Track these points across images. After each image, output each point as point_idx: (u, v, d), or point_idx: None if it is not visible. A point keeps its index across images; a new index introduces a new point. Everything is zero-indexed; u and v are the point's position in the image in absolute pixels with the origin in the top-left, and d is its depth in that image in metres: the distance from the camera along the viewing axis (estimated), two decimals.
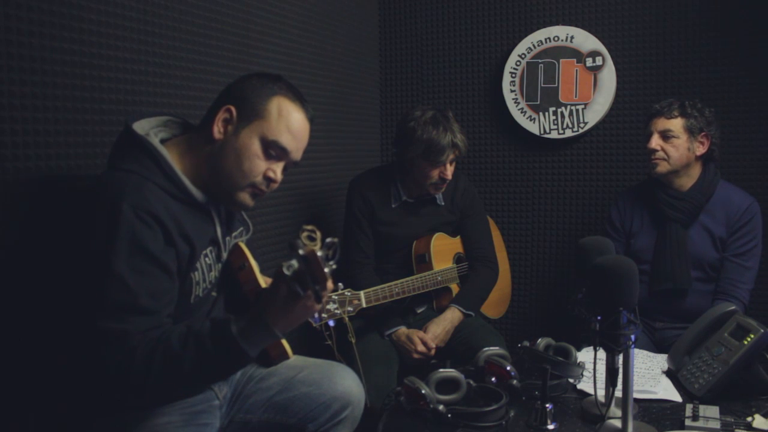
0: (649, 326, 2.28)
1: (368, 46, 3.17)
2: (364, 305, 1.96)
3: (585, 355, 1.84)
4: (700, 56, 2.75)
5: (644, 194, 2.33)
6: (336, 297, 1.87)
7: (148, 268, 1.21)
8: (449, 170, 2.25)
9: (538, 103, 2.98)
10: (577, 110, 2.92)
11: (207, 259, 1.38)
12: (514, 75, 3.01)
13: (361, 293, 1.96)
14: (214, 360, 1.21)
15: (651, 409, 1.60)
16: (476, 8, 3.09)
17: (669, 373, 1.79)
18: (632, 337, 1.36)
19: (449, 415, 1.50)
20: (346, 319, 1.90)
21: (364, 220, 2.34)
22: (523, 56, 2.99)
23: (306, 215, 2.57)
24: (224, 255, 1.46)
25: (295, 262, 1.09)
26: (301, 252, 1.07)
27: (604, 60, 2.86)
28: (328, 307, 1.85)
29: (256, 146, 1.35)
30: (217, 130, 1.35)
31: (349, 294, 1.91)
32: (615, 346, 1.36)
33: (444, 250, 2.40)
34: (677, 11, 2.78)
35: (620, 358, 1.40)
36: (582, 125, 2.92)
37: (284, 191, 2.41)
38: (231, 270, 1.48)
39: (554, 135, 2.97)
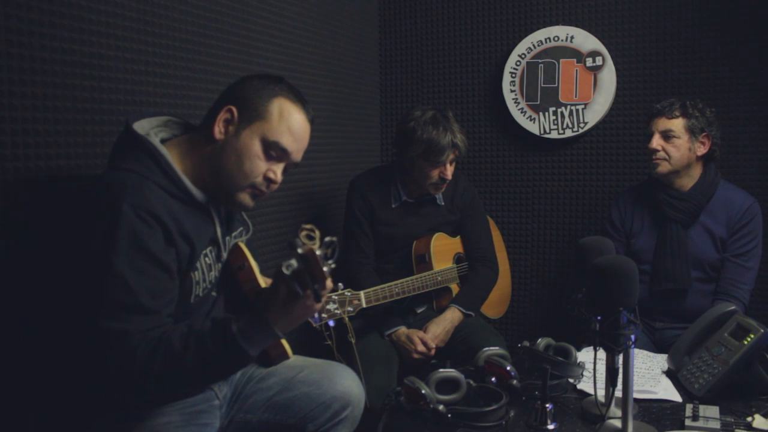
0: (649, 326, 2.28)
1: (368, 46, 3.17)
2: (364, 305, 1.96)
3: (585, 355, 1.84)
4: (700, 56, 2.75)
5: (645, 194, 2.33)
6: (336, 297, 1.87)
7: (149, 267, 1.21)
8: (449, 170, 2.25)
9: (538, 103, 2.98)
10: (577, 110, 2.92)
11: (207, 258, 1.38)
12: (514, 75, 3.01)
13: (361, 293, 1.96)
14: (215, 359, 1.21)
15: (651, 409, 1.60)
16: (476, 8, 3.09)
17: (669, 373, 1.79)
18: (632, 337, 1.35)
19: (449, 415, 1.50)
20: (346, 319, 1.90)
21: (364, 220, 2.34)
22: (523, 56, 2.99)
23: (306, 215, 2.57)
24: (224, 255, 1.46)
25: (294, 262, 1.09)
26: (299, 251, 1.07)
27: (604, 60, 2.86)
28: (328, 307, 1.85)
29: (256, 147, 1.35)
30: (218, 130, 1.35)
31: (349, 294, 1.91)
32: (615, 346, 1.36)
33: (444, 250, 2.40)
34: (677, 11, 2.78)
35: (620, 358, 1.40)
36: (582, 125, 2.92)
37: (284, 191, 2.41)
38: (231, 270, 1.48)
39: (554, 135, 2.97)
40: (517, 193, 3.12)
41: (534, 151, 3.07)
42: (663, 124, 2.18)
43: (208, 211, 1.39)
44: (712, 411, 1.53)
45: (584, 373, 1.71)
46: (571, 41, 2.91)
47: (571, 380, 1.71)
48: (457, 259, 2.44)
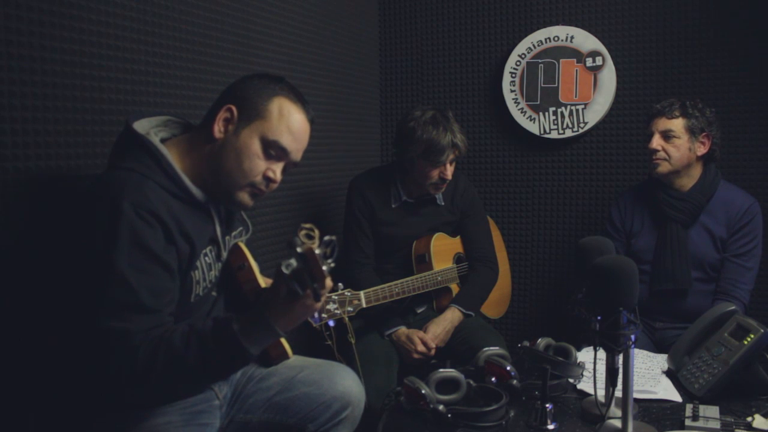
0: (649, 326, 2.28)
1: (368, 46, 3.17)
2: (364, 305, 1.96)
3: (585, 355, 1.84)
4: (700, 56, 2.75)
5: (645, 194, 2.33)
6: (336, 297, 1.87)
7: (150, 266, 1.21)
8: (449, 170, 2.25)
9: (538, 103, 2.98)
10: (577, 110, 2.92)
11: (207, 258, 1.39)
12: (514, 75, 3.01)
13: (361, 293, 1.96)
14: (216, 358, 1.21)
15: (651, 409, 1.60)
16: (476, 8, 3.09)
17: (669, 373, 1.79)
18: (632, 337, 1.35)
19: (449, 415, 1.50)
20: (346, 319, 1.90)
21: (364, 220, 2.34)
22: (523, 56, 2.99)
23: (306, 215, 2.57)
24: (224, 254, 1.46)
25: (293, 261, 1.10)
26: (299, 250, 1.07)
27: (604, 60, 2.86)
28: (328, 307, 1.85)
29: (256, 146, 1.35)
30: (218, 129, 1.35)
31: (349, 294, 1.91)
32: (615, 346, 1.36)
33: (444, 250, 2.40)
34: (677, 11, 2.77)
35: (620, 358, 1.40)
36: (582, 125, 2.92)
37: (284, 191, 2.41)
38: (230, 270, 1.48)
39: (554, 135, 2.97)
40: (517, 193, 3.12)
41: (534, 151, 3.07)
42: (663, 124, 2.18)
43: (207, 211, 1.40)
44: (712, 411, 1.53)
45: (584, 373, 1.71)
46: (571, 41, 2.91)
47: (571, 380, 1.71)
48: (457, 259, 2.44)
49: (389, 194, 2.35)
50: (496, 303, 2.66)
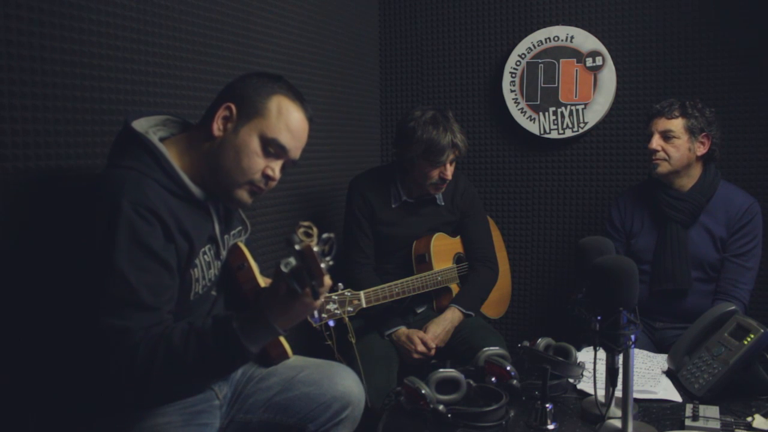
0: (649, 326, 2.28)
1: (368, 46, 3.17)
2: (364, 305, 1.96)
3: (585, 355, 1.84)
4: (700, 56, 2.75)
5: (645, 195, 2.33)
6: (336, 297, 1.87)
7: (149, 264, 1.22)
8: (449, 170, 2.25)
9: (538, 103, 2.97)
10: (577, 110, 2.92)
11: (206, 256, 1.39)
12: (514, 75, 3.01)
13: (361, 293, 1.96)
14: (216, 356, 1.21)
15: (651, 409, 1.60)
16: (476, 8, 3.09)
17: (669, 373, 1.79)
18: (632, 337, 1.35)
19: (449, 415, 1.50)
20: (346, 319, 1.90)
21: (364, 220, 2.34)
22: (523, 56, 2.99)
23: (306, 215, 2.57)
24: (223, 253, 1.46)
25: (292, 260, 1.10)
26: (297, 247, 1.08)
27: (604, 60, 2.86)
28: (327, 307, 1.84)
29: (255, 144, 1.36)
30: (217, 127, 1.36)
31: (349, 294, 1.91)
32: (615, 346, 1.36)
33: (444, 250, 2.40)
34: (677, 11, 2.77)
35: (620, 358, 1.40)
36: (582, 125, 2.92)
37: (284, 191, 2.41)
38: (230, 270, 1.48)
39: (554, 135, 2.97)
40: (517, 193, 3.12)
41: (534, 151, 3.07)
42: (662, 124, 2.18)
43: (206, 209, 1.40)
44: (712, 411, 1.53)
45: (584, 373, 1.71)
46: (571, 41, 2.91)
47: (571, 380, 1.71)
48: (457, 259, 2.44)
49: (389, 194, 2.35)
50: (496, 303, 2.66)
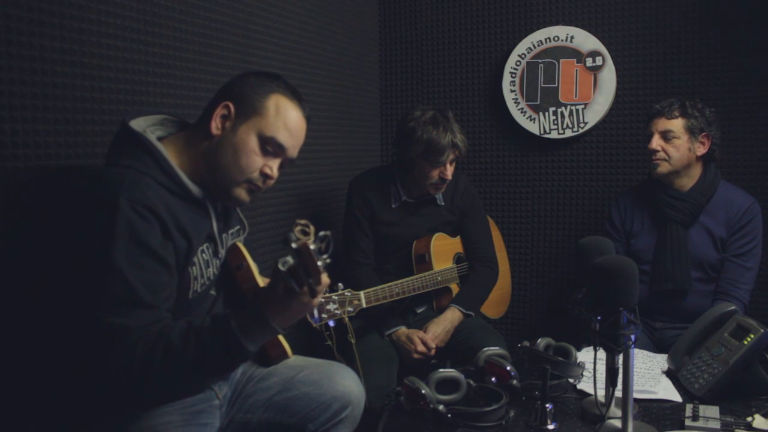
0: (649, 326, 2.28)
1: (368, 46, 3.17)
2: (364, 305, 1.96)
3: (585, 355, 1.84)
4: (700, 56, 2.75)
5: (645, 195, 2.33)
6: (336, 297, 1.87)
7: (147, 262, 1.22)
8: (449, 170, 2.25)
9: (538, 103, 2.97)
10: (577, 110, 2.92)
11: (204, 254, 1.39)
12: (514, 75, 3.01)
13: (361, 293, 1.96)
14: (214, 354, 1.21)
15: (651, 409, 1.60)
16: (476, 8, 3.09)
17: (669, 373, 1.79)
18: (632, 337, 1.35)
19: (449, 415, 1.50)
20: (346, 319, 1.90)
21: (364, 220, 2.34)
22: (523, 56, 2.99)
23: (306, 215, 2.57)
24: (221, 251, 1.46)
25: (290, 258, 1.10)
26: (293, 245, 1.08)
27: (604, 60, 2.86)
28: (327, 307, 1.84)
29: (253, 142, 1.36)
30: (215, 126, 1.36)
31: (349, 294, 1.91)
32: (615, 346, 1.36)
33: (444, 250, 2.40)
34: (677, 11, 2.78)
35: (620, 358, 1.40)
36: (582, 125, 2.92)
37: (284, 191, 2.42)
38: (229, 269, 1.48)
39: (554, 135, 2.97)
40: (517, 193, 3.12)
41: (534, 151, 3.07)
42: (662, 124, 2.18)
43: (204, 207, 1.40)
44: (712, 411, 1.53)
45: (584, 373, 1.71)
46: (571, 41, 2.91)
47: (571, 380, 1.71)
48: (457, 259, 2.44)
49: (389, 194, 2.35)
50: (496, 303, 2.66)
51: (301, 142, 1.45)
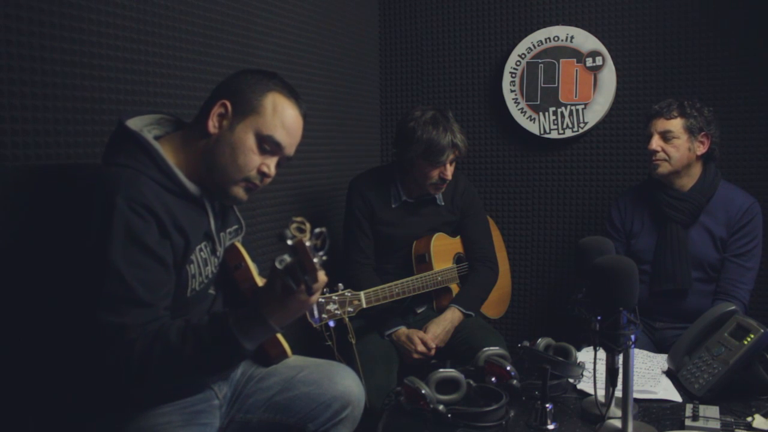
0: (649, 326, 2.28)
1: (368, 46, 3.17)
2: (364, 305, 1.95)
3: (585, 355, 1.84)
4: (700, 56, 2.75)
5: (645, 195, 2.33)
6: (336, 297, 1.87)
7: (144, 260, 1.22)
8: (449, 170, 2.25)
9: (538, 103, 2.97)
10: (577, 110, 2.92)
11: (202, 253, 1.39)
12: (514, 75, 3.01)
13: (361, 293, 1.96)
14: (212, 353, 1.21)
15: (651, 409, 1.60)
16: (476, 8, 3.09)
17: (669, 373, 1.79)
18: (632, 337, 1.35)
19: (449, 415, 1.50)
20: (346, 319, 1.90)
21: (364, 221, 2.34)
22: (523, 56, 2.99)
23: (306, 215, 2.53)
24: (219, 249, 1.46)
25: (287, 257, 1.11)
26: (289, 242, 1.08)
27: (604, 60, 2.86)
28: (328, 307, 1.84)
29: (250, 141, 1.36)
30: (212, 124, 1.36)
31: (349, 294, 1.91)
32: (615, 346, 1.36)
33: (444, 250, 2.39)
34: (677, 11, 2.78)
35: (620, 358, 1.40)
36: (582, 125, 2.92)
37: (284, 191, 2.42)
38: (227, 269, 1.48)
39: (554, 135, 2.97)
40: (517, 193, 3.12)
41: (534, 151, 3.07)
42: (661, 124, 2.18)
43: (202, 205, 1.40)
44: (712, 411, 1.52)
45: (584, 373, 1.71)
46: (571, 41, 2.91)
47: (571, 380, 1.71)
48: (457, 259, 2.44)
49: (389, 194, 2.35)
50: (496, 303, 2.66)
51: (298, 140, 1.45)
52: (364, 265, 2.34)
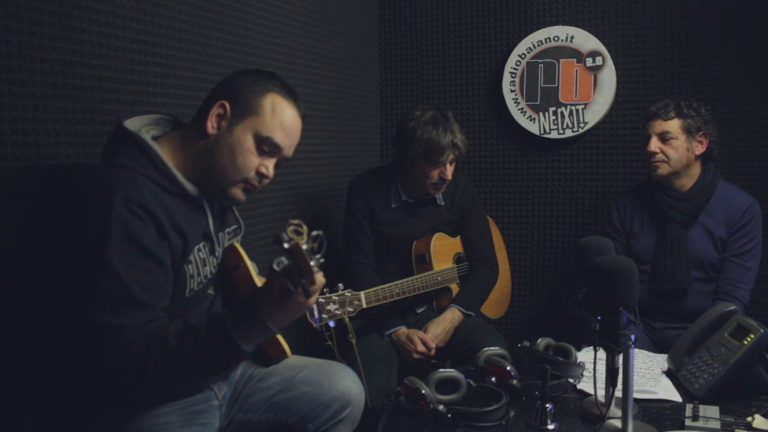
0: (649, 326, 2.28)
1: (368, 46, 3.17)
2: (364, 305, 1.96)
3: (585, 355, 1.84)
4: (699, 56, 2.75)
5: (644, 195, 2.33)
6: (336, 297, 1.87)
7: (142, 261, 1.22)
8: (449, 170, 2.25)
9: (538, 103, 2.97)
10: (577, 110, 2.92)
11: (200, 253, 1.39)
12: (514, 75, 3.01)
13: (362, 293, 1.96)
14: (210, 354, 1.21)
15: (651, 409, 1.60)
16: (476, 8, 3.09)
17: (669, 373, 1.79)
18: (632, 337, 1.35)
19: (449, 415, 1.50)
20: (347, 319, 1.90)
21: (364, 221, 2.34)
22: (523, 56, 2.99)
23: (306, 215, 2.57)
24: (218, 249, 1.46)
25: (284, 258, 1.10)
26: (285, 246, 1.08)
27: (604, 60, 2.86)
28: (328, 307, 1.84)
29: (249, 142, 1.36)
30: (211, 125, 1.36)
31: (349, 294, 1.91)
32: (615, 346, 1.36)
33: (444, 250, 2.39)
34: (677, 11, 2.78)
35: (620, 358, 1.40)
36: (582, 125, 2.92)
37: (284, 191, 2.41)
38: (226, 270, 1.48)
39: (554, 135, 2.97)
40: (517, 193, 3.12)
41: (534, 151, 3.07)
42: (659, 126, 2.18)
43: (200, 205, 1.40)
44: (712, 411, 1.52)
45: (584, 373, 1.71)
46: (571, 41, 2.91)
47: (571, 380, 1.71)
48: (457, 259, 2.44)
49: (389, 194, 2.35)
50: (496, 303, 2.66)
51: (296, 141, 1.45)
52: (364, 265, 2.34)
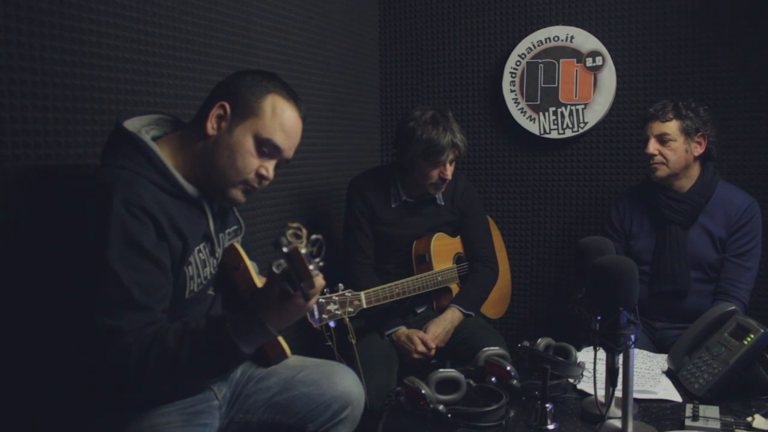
0: (649, 326, 2.28)
1: (368, 46, 3.17)
2: (364, 306, 1.96)
3: (585, 355, 1.84)
4: (699, 57, 2.75)
5: (644, 196, 2.33)
6: (336, 298, 1.87)
7: (141, 263, 1.21)
8: (449, 170, 2.25)
9: (538, 103, 2.97)
10: (577, 110, 2.92)
11: (201, 254, 1.39)
12: (514, 75, 3.01)
13: (362, 294, 1.96)
14: (209, 357, 1.21)
15: (651, 409, 1.60)
16: (476, 8, 3.09)
17: (669, 373, 1.79)
18: (632, 337, 1.35)
19: (449, 415, 1.50)
20: (347, 319, 1.90)
21: (364, 221, 2.34)
22: (523, 56, 2.99)
23: (306, 215, 2.57)
24: (218, 250, 1.46)
25: (283, 261, 1.10)
26: (284, 249, 1.08)
27: (604, 60, 2.86)
28: (328, 308, 1.84)
29: (249, 144, 1.36)
30: (211, 126, 1.36)
31: (349, 294, 1.91)
32: (615, 346, 1.36)
33: (444, 250, 2.39)
34: (677, 11, 2.77)
35: (620, 358, 1.40)
36: (582, 125, 2.92)
37: (284, 191, 2.41)
38: (226, 270, 1.48)
39: (554, 135, 2.97)
40: (517, 193, 3.12)
41: (534, 151, 3.07)
42: (658, 127, 2.18)
43: (200, 206, 1.40)
44: (712, 411, 1.52)
45: (584, 373, 1.71)
46: (571, 41, 2.91)
47: (571, 380, 1.71)
48: (457, 259, 2.44)
49: (389, 194, 2.35)
50: (496, 303, 2.66)
51: (297, 143, 1.44)
52: (364, 265, 2.34)
